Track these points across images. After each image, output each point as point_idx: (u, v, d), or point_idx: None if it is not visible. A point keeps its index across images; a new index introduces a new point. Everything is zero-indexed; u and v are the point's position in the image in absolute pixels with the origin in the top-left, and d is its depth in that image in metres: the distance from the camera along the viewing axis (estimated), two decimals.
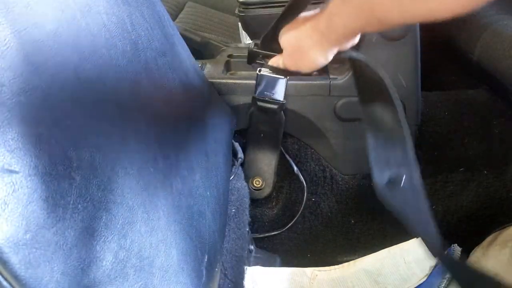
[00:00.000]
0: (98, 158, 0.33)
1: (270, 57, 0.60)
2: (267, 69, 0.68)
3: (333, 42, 0.47)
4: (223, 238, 0.66)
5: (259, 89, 0.77)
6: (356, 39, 0.48)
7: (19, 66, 0.28)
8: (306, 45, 0.48)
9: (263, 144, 0.86)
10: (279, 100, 0.78)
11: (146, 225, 0.40)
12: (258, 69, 0.70)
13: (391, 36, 0.75)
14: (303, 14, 0.51)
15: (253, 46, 0.62)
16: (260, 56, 0.63)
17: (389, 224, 0.84)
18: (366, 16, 0.39)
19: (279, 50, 0.55)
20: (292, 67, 0.54)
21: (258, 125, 0.83)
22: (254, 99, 0.78)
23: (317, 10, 0.48)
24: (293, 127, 0.87)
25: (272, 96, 0.78)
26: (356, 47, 0.48)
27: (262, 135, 0.84)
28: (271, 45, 0.57)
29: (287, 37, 0.52)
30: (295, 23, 0.51)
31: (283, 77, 0.72)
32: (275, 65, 0.60)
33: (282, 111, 0.80)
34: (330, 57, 0.48)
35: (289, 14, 0.51)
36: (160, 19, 0.56)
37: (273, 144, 0.86)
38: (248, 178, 0.86)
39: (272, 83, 0.77)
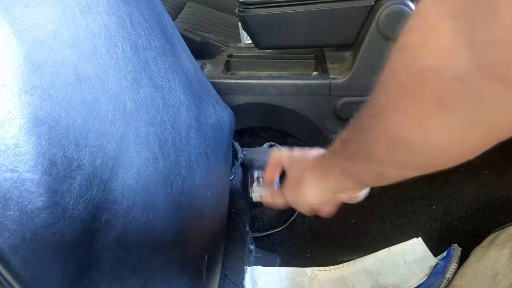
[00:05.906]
0: (98, 158, 0.33)
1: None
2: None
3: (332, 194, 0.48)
4: (223, 238, 0.66)
5: None
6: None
7: (19, 66, 0.28)
8: (307, 192, 0.49)
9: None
10: None
11: (146, 225, 0.40)
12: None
13: (391, 36, 0.75)
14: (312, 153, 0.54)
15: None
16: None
17: (389, 224, 0.84)
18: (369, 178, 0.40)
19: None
20: (290, 200, 0.54)
21: None
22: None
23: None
24: (293, 127, 0.87)
25: None
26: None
27: None
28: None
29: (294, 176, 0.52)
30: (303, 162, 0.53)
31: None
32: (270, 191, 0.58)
33: None
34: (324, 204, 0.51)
35: None
36: (160, 19, 0.56)
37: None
38: None
39: None
